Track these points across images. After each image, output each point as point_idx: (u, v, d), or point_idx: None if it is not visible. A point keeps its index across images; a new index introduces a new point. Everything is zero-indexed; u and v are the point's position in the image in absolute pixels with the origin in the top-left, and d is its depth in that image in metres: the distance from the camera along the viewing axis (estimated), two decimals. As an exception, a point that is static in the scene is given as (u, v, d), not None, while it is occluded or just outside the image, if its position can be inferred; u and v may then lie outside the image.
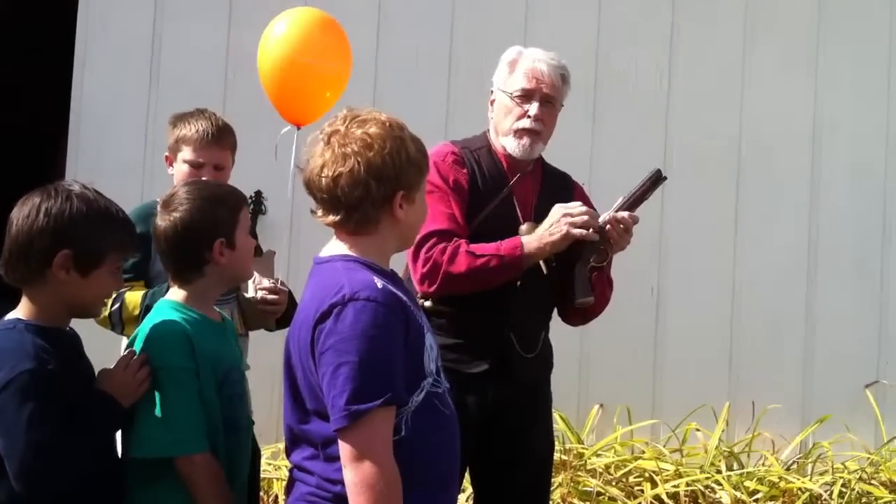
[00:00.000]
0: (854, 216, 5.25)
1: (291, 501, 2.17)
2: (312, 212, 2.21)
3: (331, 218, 2.17)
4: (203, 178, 2.97)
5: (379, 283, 2.09)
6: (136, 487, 2.30)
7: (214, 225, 2.41)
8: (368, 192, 2.12)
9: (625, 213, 3.00)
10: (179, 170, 3.05)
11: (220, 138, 3.04)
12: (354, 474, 2.00)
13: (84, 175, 4.56)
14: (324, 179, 2.13)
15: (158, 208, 2.45)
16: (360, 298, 2.04)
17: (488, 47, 4.92)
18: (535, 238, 2.91)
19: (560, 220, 2.91)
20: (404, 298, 2.14)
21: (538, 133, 3.02)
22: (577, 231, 2.89)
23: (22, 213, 2.21)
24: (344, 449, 2.02)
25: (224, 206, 2.45)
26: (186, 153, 3.03)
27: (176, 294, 2.44)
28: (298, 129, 3.17)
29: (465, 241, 2.89)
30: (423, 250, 2.86)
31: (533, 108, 2.99)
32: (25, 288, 2.25)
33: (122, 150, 4.83)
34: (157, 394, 2.28)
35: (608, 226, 2.98)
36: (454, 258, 2.85)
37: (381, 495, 1.99)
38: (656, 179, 3.04)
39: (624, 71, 5.15)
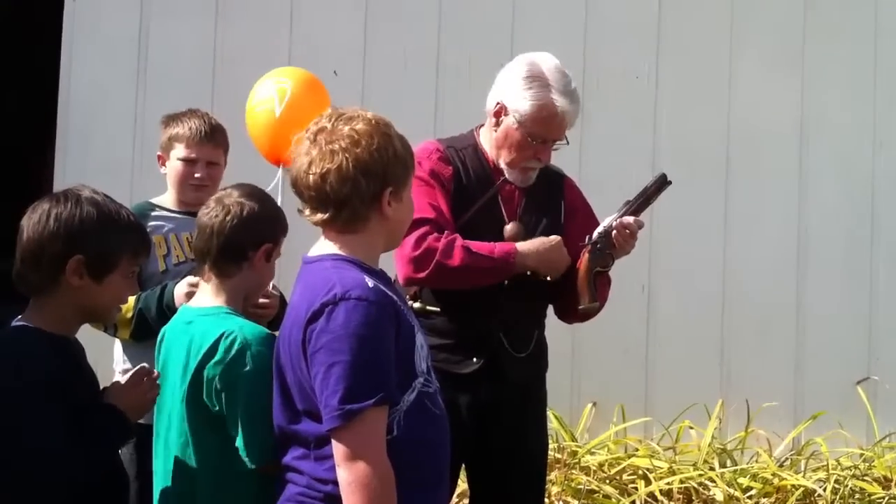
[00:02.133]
0: (842, 213, 5.25)
1: (281, 502, 2.15)
2: (299, 211, 2.19)
3: (319, 216, 2.15)
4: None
5: (370, 282, 2.08)
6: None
7: (273, 227, 2.42)
8: (357, 189, 2.10)
9: (630, 219, 2.98)
10: (173, 167, 3.06)
11: (213, 136, 3.07)
12: (348, 474, 1.99)
13: (72, 174, 4.59)
14: (311, 177, 2.11)
15: (213, 201, 2.41)
16: (351, 297, 2.02)
17: (476, 47, 4.98)
18: (529, 252, 2.89)
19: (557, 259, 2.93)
20: (395, 298, 2.13)
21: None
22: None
23: (32, 220, 2.17)
24: (337, 449, 2.01)
25: (281, 217, 2.47)
26: (180, 150, 3.05)
27: (215, 299, 2.37)
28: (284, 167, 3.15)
29: (459, 236, 2.87)
30: (416, 234, 2.79)
31: (546, 154, 2.97)
32: (36, 295, 2.21)
33: (109, 149, 4.80)
34: (264, 398, 2.20)
35: (614, 231, 2.96)
36: (450, 251, 2.82)
37: (376, 494, 1.98)
38: (661, 184, 3.01)
39: (611, 69, 5.14)
